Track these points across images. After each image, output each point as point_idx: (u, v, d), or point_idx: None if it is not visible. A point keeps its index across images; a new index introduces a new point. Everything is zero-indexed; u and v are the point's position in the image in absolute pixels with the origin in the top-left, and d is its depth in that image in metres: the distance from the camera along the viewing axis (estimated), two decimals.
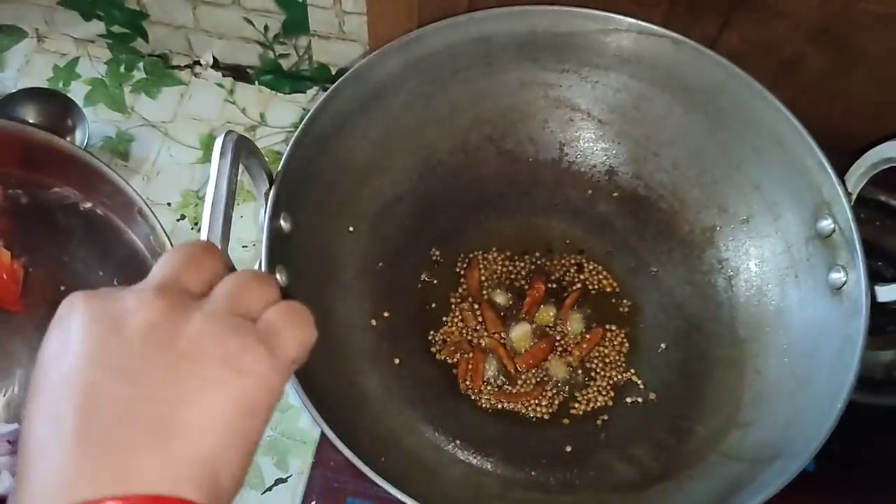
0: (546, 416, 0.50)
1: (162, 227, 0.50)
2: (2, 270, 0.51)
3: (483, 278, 0.53)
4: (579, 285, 0.53)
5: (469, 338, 0.51)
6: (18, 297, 0.52)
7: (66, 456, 0.24)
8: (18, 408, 0.50)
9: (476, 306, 0.52)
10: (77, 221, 0.54)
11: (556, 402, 0.50)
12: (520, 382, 0.50)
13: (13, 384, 0.51)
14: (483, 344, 0.51)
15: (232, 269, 0.30)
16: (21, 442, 0.26)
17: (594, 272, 0.54)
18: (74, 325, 0.27)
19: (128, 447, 0.25)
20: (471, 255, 0.54)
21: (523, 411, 0.50)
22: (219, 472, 0.25)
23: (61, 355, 0.26)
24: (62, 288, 0.53)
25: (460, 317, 0.52)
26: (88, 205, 0.54)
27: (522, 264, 0.54)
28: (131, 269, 0.53)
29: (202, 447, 0.25)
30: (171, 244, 0.49)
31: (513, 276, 0.54)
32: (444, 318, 0.52)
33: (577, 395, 0.50)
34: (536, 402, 0.50)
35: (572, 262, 0.54)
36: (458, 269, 0.54)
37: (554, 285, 0.53)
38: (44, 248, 0.53)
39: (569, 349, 0.51)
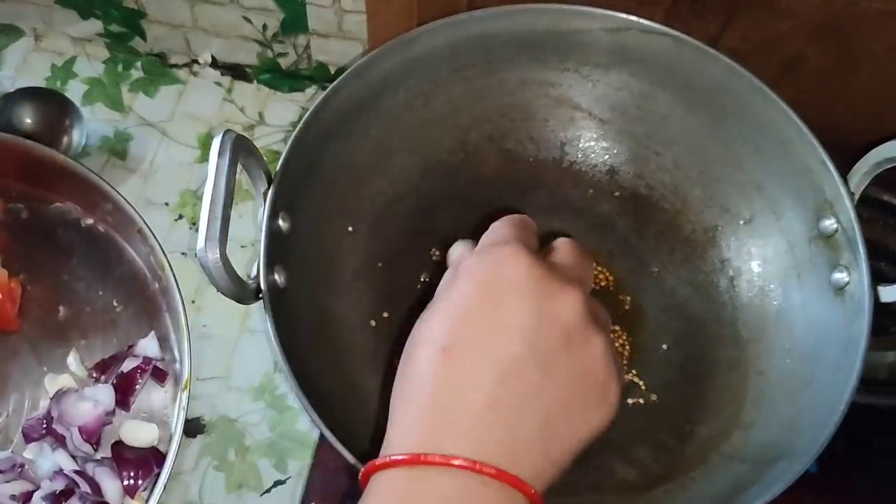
0: None
1: (161, 248, 0.49)
2: None
3: None
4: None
5: None
6: (15, 316, 0.51)
7: (464, 411, 0.27)
8: (13, 433, 0.49)
9: None
10: (78, 238, 0.53)
11: None
12: None
13: (7, 407, 0.49)
14: None
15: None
16: (413, 372, 0.29)
17: (595, 272, 0.53)
18: (514, 292, 0.29)
19: (513, 429, 0.27)
20: None
21: None
22: (552, 478, 0.29)
23: (494, 309, 0.29)
24: (60, 308, 0.52)
25: None
26: (90, 221, 0.53)
27: None
28: (131, 289, 0.52)
29: (559, 455, 0.28)
30: (170, 265, 0.49)
31: None
32: None
33: None
34: None
35: None
36: None
37: None
38: (43, 265, 0.53)
39: None
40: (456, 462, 0.26)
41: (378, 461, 0.28)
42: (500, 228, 0.32)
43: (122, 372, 0.49)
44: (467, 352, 0.28)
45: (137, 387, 0.49)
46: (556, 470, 0.29)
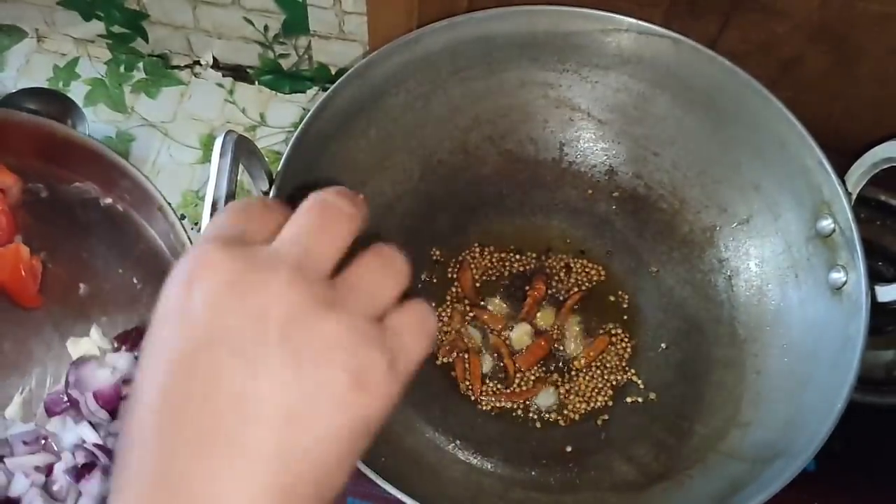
0: (546, 416, 0.50)
1: (182, 225, 0.49)
2: (20, 266, 0.51)
3: (484, 277, 0.53)
4: (578, 288, 0.53)
5: (454, 336, 0.51)
6: (36, 293, 0.52)
7: (159, 449, 0.22)
8: (35, 406, 0.50)
9: (468, 307, 0.52)
10: (97, 216, 0.53)
11: (556, 400, 0.50)
12: (517, 381, 0.50)
13: (30, 382, 0.51)
14: (474, 346, 0.51)
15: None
16: (130, 405, 0.23)
17: (594, 272, 0.54)
18: (203, 293, 0.23)
19: (227, 454, 0.22)
20: (460, 256, 0.54)
21: (523, 411, 0.50)
22: (325, 491, 0.23)
23: (182, 319, 0.23)
24: (81, 285, 0.52)
25: (449, 317, 0.52)
26: (109, 200, 0.53)
27: (522, 264, 0.54)
28: (151, 266, 0.52)
29: (313, 466, 0.23)
30: (192, 243, 0.48)
31: (513, 276, 0.54)
32: (441, 318, 0.52)
33: (576, 395, 0.50)
34: (534, 401, 0.50)
35: (572, 261, 0.54)
36: (453, 269, 0.54)
37: (554, 285, 0.53)
38: (63, 243, 0.53)
39: (570, 356, 0.51)
40: None
41: None
42: (195, 252, 0.25)
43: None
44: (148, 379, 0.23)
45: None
46: (320, 491, 0.23)
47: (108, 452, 0.47)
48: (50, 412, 0.49)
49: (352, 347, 0.23)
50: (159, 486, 0.22)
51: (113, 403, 0.48)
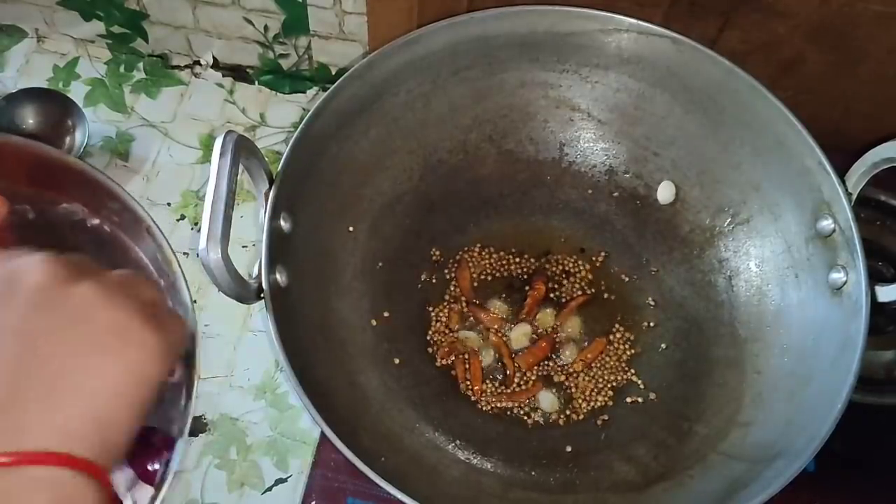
0: (546, 417, 0.50)
1: (169, 245, 0.49)
2: None
3: (483, 277, 0.53)
4: (580, 291, 0.53)
5: (453, 339, 0.51)
6: None
7: None
8: None
9: (465, 307, 0.52)
10: (85, 238, 0.53)
11: (557, 402, 0.50)
12: (517, 381, 0.50)
13: None
14: (475, 347, 0.51)
15: None
16: None
17: (594, 272, 0.54)
18: None
19: (19, 404, 0.25)
20: (458, 256, 0.54)
21: (523, 411, 0.50)
22: (109, 433, 0.27)
23: None
24: None
25: (447, 317, 0.52)
26: (96, 221, 0.53)
27: (521, 263, 0.54)
28: None
29: (94, 408, 0.26)
30: (179, 263, 0.49)
31: (513, 277, 0.54)
32: (439, 319, 0.52)
33: (577, 395, 0.50)
34: (534, 402, 0.50)
35: (572, 262, 0.54)
36: (453, 269, 0.54)
37: (554, 286, 0.53)
38: None
39: (570, 357, 0.51)
40: None
41: None
42: None
43: None
44: None
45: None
46: (104, 433, 0.27)
47: None
48: None
49: (110, 306, 0.28)
50: None
51: None
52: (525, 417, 0.50)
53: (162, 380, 0.29)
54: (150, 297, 0.30)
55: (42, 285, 0.27)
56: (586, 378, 0.51)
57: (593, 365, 0.51)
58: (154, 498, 0.44)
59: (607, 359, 0.51)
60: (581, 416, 0.50)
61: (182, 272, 0.49)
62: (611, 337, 0.52)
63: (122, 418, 0.27)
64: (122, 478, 0.46)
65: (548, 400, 0.50)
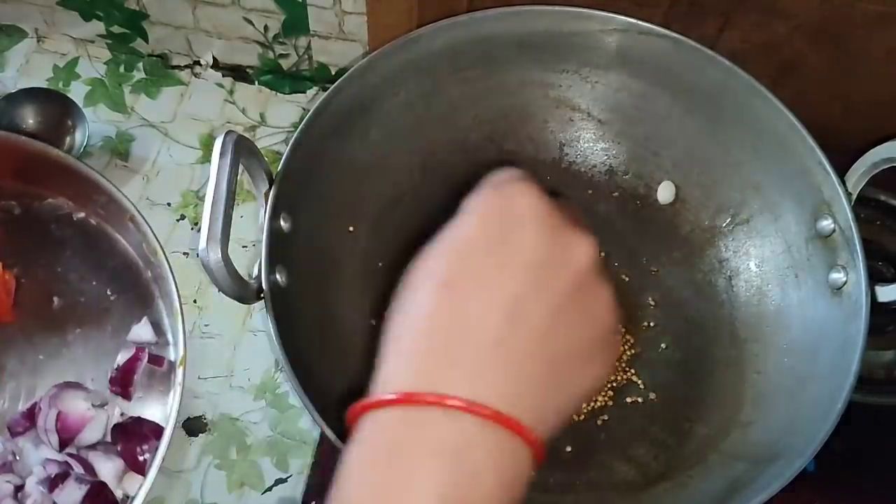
0: None
1: (154, 234, 0.50)
2: None
3: None
4: None
5: None
6: (10, 308, 0.52)
7: (464, 350, 0.25)
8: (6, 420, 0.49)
9: None
10: (70, 232, 0.54)
11: None
12: None
13: (3, 398, 0.50)
14: None
15: None
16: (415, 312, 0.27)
17: None
18: (523, 228, 0.27)
19: (515, 373, 0.25)
20: None
21: None
22: (552, 429, 0.27)
23: (500, 244, 0.27)
24: (55, 299, 0.53)
25: None
26: (82, 215, 0.54)
27: None
28: (124, 278, 0.53)
29: (560, 409, 0.27)
30: (164, 251, 0.49)
31: None
32: None
33: None
34: None
35: None
36: None
37: None
38: (37, 258, 0.54)
39: None
40: (451, 402, 0.24)
41: (366, 400, 0.26)
42: (506, 171, 0.30)
43: (118, 366, 0.50)
44: (470, 288, 0.26)
45: (136, 376, 0.50)
46: (557, 419, 0.27)
47: (81, 461, 0.47)
48: (13, 432, 0.48)
49: (614, 317, 0.30)
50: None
51: (71, 433, 0.47)
52: None
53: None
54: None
55: (586, 271, 0.27)
56: None
57: None
58: (141, 485, 0.44)
59: None
60: (580, 416, 0.50)
61: (168, 261, 0.49)
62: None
63: (567, 418, 0.28)
64: (112, 469, 0.47)
65: None
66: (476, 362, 0.25)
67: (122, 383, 0.50)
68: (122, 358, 0.50)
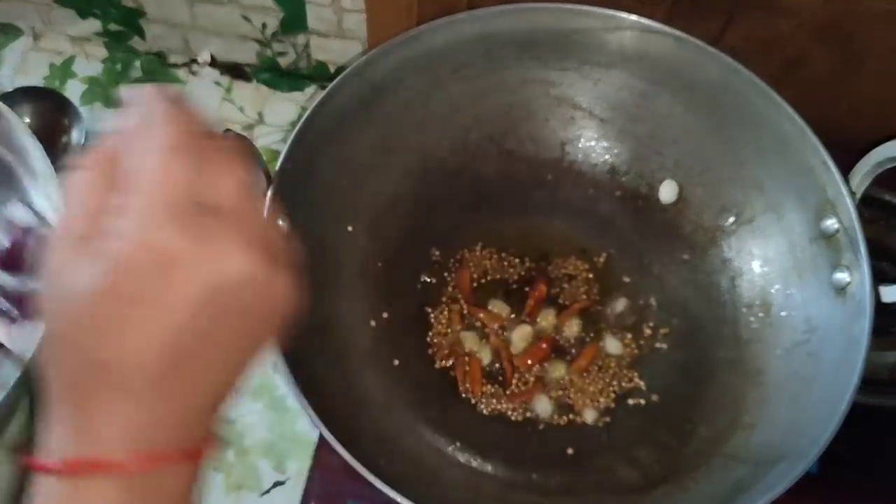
0: (546, 419, 0.49)
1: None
2: None
3: (484, 279, 0.53)
4: (583, 293, 0.53)
5: (453, 340, 0.51)
6: None
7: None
8: None
9: (465, 307, 0.52)
10: None
11: (552, 407, 0.50)
12: (515, 382, 0.50)
13: None
14: (475, 348, 0.51)
15: None
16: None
17: (595, 272, 0.53)
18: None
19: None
20: (458, 256, 0.53)
21: (522, 413, 0.49)
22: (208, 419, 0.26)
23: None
24: None
25: (447, 318, 0.52)
26: None
27: (522, 264, 0.53)
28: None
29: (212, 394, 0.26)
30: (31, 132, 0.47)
31: (513, 277, 0.53)
32: (439, 321, 0.52)
33: (577, 398, 0.50)
34: (533, 404, 0.50)
35: (573, 262, 0.53)
36: (452, 270, 0.53)
37: (555, 286, 0.53)
38: None
39: (571, 358, 0.51)
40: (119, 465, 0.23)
41: (34, 460, 0.24)
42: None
43: (5, 248, 0.49)
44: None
45: (27, 255, 0.49)
46: (206, 413, 0.26)
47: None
48: None
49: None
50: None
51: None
52: (525, 419, 0.49)
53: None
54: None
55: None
56: (587, 380, 0.50)
57: (593, 367, 0.50)
58: None
59: (608, 360, 0.51)
60: (582, 419, 0.49)
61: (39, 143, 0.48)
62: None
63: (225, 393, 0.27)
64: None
65: (543, 405, 0.49)
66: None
67: (14, 263, 0.48)
68: (2, 240, 0.48)
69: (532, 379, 0.50)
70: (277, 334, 0.27)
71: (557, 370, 0.50)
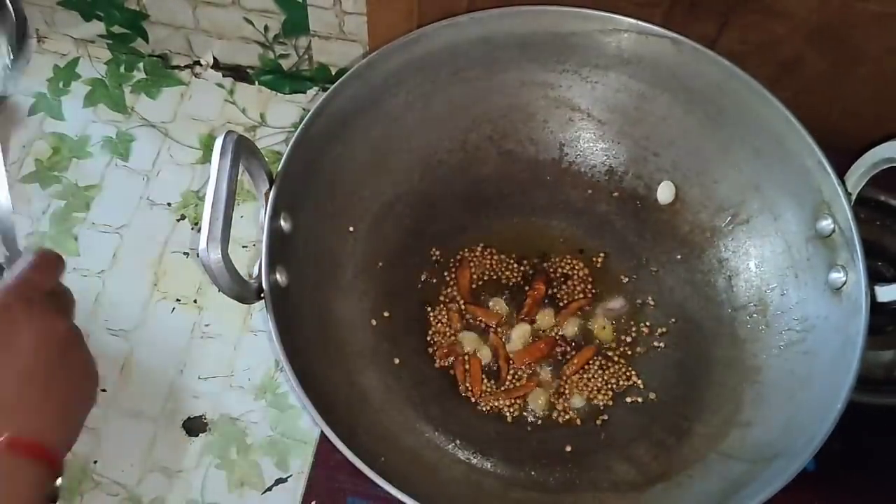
0: (545, 417, 0.50)
1: None
2: None
3: (483, 278, 0.53)
4: (581, 292, 0.53)
5: (453, 339, 0.51)
6: None
7: None
8: None
9: (464, 306, 0.52)
10: None
11: (552, 403, 0.50)
12: (510, 378, 0.50)
13: None
14: (475, 347, 0.52)
15: None
16: None
17: (594, 272, 0.54)
18: None
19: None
20: (460, 255, 0.54)
21: (521, 411, 0.50)
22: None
23: None
24: None
25: (446, 317, 0.52)
26: None
27: (521, 264, 0.54)
28: None
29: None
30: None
31: (512, 277, 0.54)
32: (438, 320, 0.52)
33: (576, 395, 0.50)
34: (530, 402, 0.50)
35: (572, 262, 0.54)
36: (451, 269, 0.54)
37: (554, 286, 0.53)
38: None
39: (569, 356, 0.51)
40: None
41: None
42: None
43: None
44: None
45: None
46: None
47: None
48: None
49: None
50: None
51: None
52: (524, 417, 0.50)
53: None
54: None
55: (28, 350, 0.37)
56: (585, 378, 0.51)
57: (591, 366, 0.51)
58: None
59: (606, 359, 0.51)
60: (580, 420, 0.50)
61: None
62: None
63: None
64: None
65: (540, 402, 0.50)
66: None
67: None
68: None
69: (526, 375, 0.51)
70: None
71: (555, 368, 0.51)
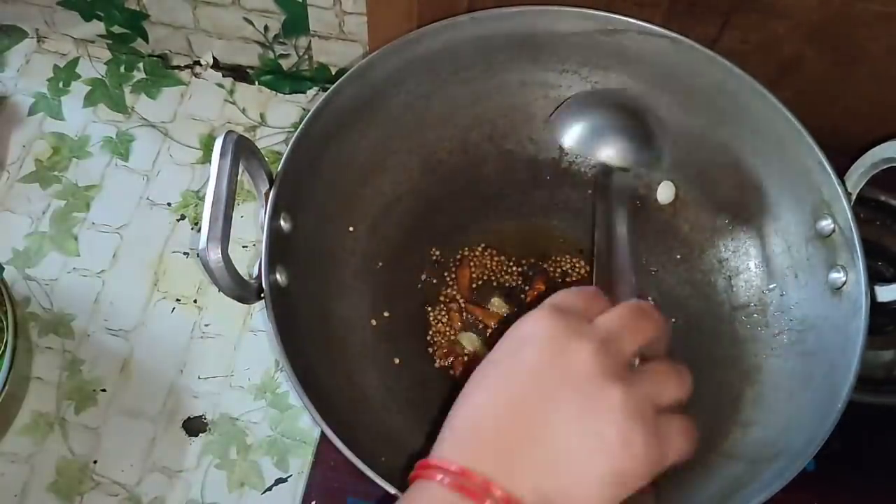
0: None
1: None
2: None
3: (484, 277, 0.53)
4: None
5: (453, 339, 0.51)
6: None
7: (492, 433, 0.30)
8: None
9: (463, 306, 0.52)
10: None
11: None
12: None
13: None
14: (475, 347, 0.52)
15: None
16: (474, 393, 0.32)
17: (593, 271, 0.54)
18: (531, 342, 0.31)
19: (517, 454, 0.28)
20: (460, 254, 0.54)
21: None
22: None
23: (513, 357, 0.31)
24: None
25: (447, 317, 0.52)
26: None
27: (521, 264, 0.54)
28: None
29: (578, 494, 0.28)
30: None
31: (512, 276, 0.54)
32: (438, 320, 0.52)
33: None
34: None
35: (572, 261, 0.54)
36: (451, 269, 0.54)
37: (554, 285, 0.53)
38: None
39: None
40: (497, 492, 0.28)
41: (430, 459, 0.30)
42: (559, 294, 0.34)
43: None
44: (488, 389, 0.32)
45: None
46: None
47: None
48: None
49: (627, 414, 0.29)
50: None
51: None
52: None
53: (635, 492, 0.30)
54: (670, 398, 0.32)
55: (587, 377, 0.29)
56: None
57: None
58: None
59: None
60: None
61: None
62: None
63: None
64: None
65: None
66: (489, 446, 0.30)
67: None
68: None
69: None
70: (633, 465, 0.30)
71: None
